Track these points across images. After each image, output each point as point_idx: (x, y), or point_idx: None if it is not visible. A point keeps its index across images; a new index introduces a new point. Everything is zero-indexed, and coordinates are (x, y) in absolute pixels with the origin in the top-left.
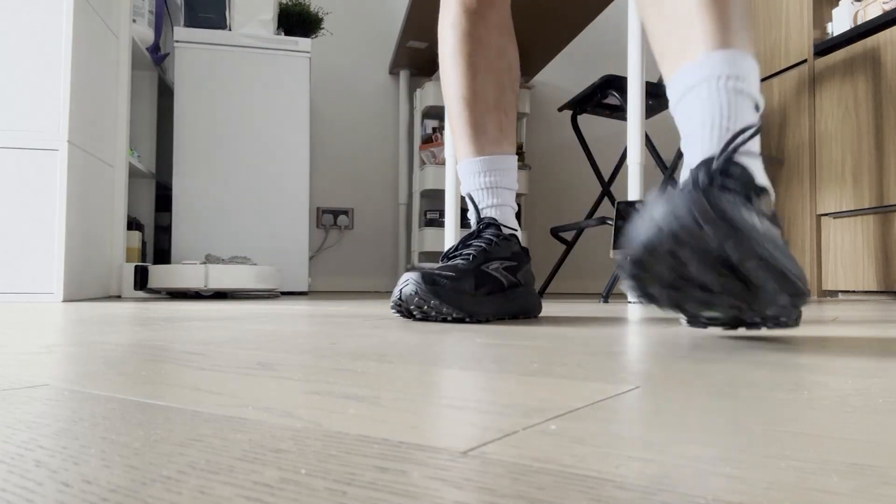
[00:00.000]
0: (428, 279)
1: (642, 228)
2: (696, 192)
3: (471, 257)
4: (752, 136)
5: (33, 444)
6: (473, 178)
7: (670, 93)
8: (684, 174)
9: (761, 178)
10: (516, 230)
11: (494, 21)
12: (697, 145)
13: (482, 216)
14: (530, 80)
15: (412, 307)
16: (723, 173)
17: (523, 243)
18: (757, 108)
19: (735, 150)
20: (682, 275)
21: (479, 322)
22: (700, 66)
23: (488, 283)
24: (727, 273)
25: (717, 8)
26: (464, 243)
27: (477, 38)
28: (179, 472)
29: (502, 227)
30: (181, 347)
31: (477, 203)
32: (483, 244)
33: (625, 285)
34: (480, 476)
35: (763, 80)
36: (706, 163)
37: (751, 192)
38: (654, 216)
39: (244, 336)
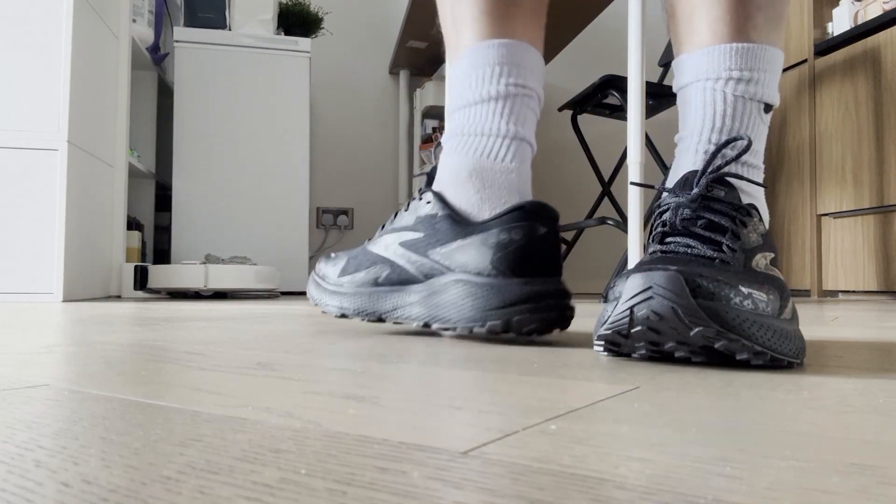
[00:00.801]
0: (312, 279)
1: (620, 317)
2: (679, 283)
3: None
4: (739, 155)
5: (33, 445)
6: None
7: (675, 72)
8: (671, 179)
9: (750, 195)
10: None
11: None
12: (685, 154)
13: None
14: None
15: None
16: (704, 198)
17: None
18: (768, 108)
19: (717, 169)
20: (661, 351)
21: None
22: (705, 58)
23: (362, 269)
24: (713, 354)
25: None
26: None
27: None
28: (179, 472)
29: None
30: (181, 347)
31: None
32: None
33: (596, 347)
34: (480, 476)
35: None
36: (687, 181)
37: (737, 216)
38: (633, 305)
39: (244, 336)
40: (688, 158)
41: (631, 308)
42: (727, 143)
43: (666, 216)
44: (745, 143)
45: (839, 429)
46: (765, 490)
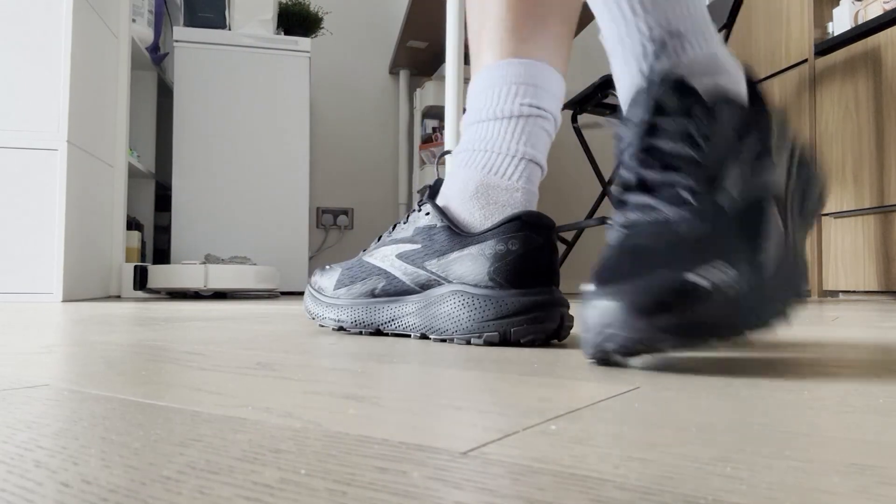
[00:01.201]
0: (308, 293)
1: (595, 353)
2: (631, 316)
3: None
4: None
5: (33, 445)
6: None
7: None
8: (619, 94)
9: (718, 85)
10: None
11: None
12: (620, 67)
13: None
14: None
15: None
16: (658, 113)
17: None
18: None
19: (666, 77)
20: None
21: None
22: None
23: (358, 280)
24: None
25: None
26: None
27: None
28: (179, 472)
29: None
30: (181, 347)
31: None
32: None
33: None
34: (480, 476)
35: (763, 79)
36: (635, 102)
37: (697, 130)
38: (599, 344)
39: (244, 336)
40: (625, 73)
41: (601, 349)
42: (664, 42)
43: (624, 158)
44: (687, 23)
45: (839, 429)
46: (765, 490)
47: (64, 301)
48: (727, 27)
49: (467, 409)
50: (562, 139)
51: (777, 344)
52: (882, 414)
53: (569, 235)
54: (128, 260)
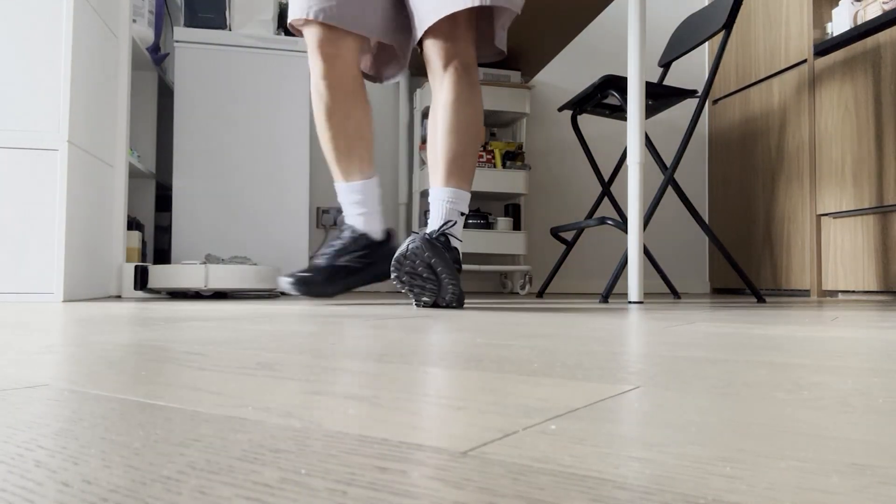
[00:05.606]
0: (299, 279)
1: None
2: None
3: (328, 255)
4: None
5: (33, 445)
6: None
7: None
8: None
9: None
10: (365, 232)
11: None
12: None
13: (345, 223)
14: (530, 81)
15: (295, 294)
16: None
17: (522, 244)
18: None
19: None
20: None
21: (330, 296)
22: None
23: (342, 271)
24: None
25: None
26: (328, 243)
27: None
28: (179, 472)
29: (355, 230)
30: (181, 347)
31: (345, 214)
32: (340, 244)
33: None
34: (480, 476)
35: (763, 80)
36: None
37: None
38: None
39: (244, 336)
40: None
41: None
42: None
43: None
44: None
45: (839, 429)
46: (765, 490)
47: (64, 301)
48: (727, 27)
49: (467, 409)
50: (562, 139)
51: (777, 344)
52: (882, 414)
53: (569, 235)
54: (128, 260)
